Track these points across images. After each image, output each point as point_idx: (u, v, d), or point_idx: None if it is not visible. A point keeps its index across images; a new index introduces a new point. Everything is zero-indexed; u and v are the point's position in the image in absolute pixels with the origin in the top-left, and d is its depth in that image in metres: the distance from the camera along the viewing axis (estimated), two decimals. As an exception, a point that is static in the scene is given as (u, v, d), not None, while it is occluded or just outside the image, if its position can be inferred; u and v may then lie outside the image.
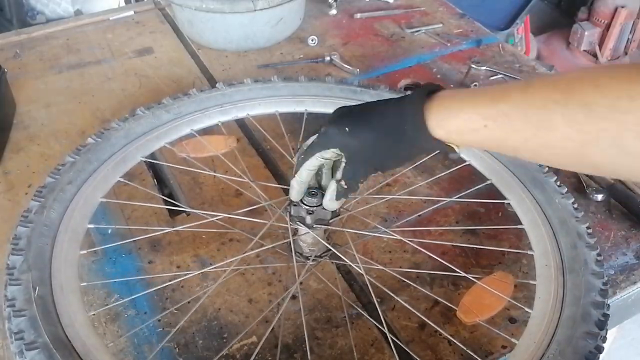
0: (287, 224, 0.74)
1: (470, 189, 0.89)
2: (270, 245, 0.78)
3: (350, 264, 0.76)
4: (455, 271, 0.73)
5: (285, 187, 0.90)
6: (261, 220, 0.79)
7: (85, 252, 0.73)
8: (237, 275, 0.79)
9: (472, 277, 0.72)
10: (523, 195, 0.79)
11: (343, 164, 0.64)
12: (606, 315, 0.63)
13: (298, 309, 0.75)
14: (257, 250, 0.79)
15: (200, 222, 0.78)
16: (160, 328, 0.72)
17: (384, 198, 0.89)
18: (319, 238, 0.75)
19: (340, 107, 0.65)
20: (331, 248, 0.76)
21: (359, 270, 0.74)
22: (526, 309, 0.67)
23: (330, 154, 0.64)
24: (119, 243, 0.80)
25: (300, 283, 0.76)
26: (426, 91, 0.58)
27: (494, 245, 0.82)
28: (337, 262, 0.79)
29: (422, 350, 0.70)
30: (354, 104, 0.65)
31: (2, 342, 0.71)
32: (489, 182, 0.83)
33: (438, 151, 0.61)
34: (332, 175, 0.68)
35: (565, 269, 0.68)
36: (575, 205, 0.76)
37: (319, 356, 0.70)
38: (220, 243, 0.83)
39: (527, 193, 0.79)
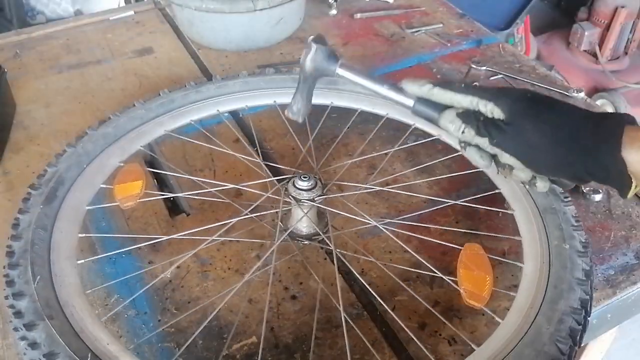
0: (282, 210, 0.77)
1: (469, 188, 0.90)
2: (256, 214, 0.80)
3: (331, 247, 0.76)
4: (433, 271, 0.73)
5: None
6: (258, 192, 0.81)
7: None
8: (237, 275, 0.79)
9: (449, 279, 0.71)
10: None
11: (500, 127, 0.61)
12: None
13: (298, 309, 0.75)
14: (241, 218, 0.80)
15: (198, 229, 0.78)
16: (160, 328, 0.72)
17: (381, 189, 0.89)
18: (303, 211, 0.76)
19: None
20: (318, 231, 0.78)
21: (342, 258, 0.76)
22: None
23: (490, 108, 0.61)
24: (121, 250, 0.81)
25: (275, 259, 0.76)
26: (625, 119, 0.58)
27: (494, 244, 0.82)
28: (324, 246, 0.81)
29: (422, 350, 0.69)
30: None
31: (2, 342, 0.71)
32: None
33: (604, 183, 0.60)
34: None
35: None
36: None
37: (319, 356, 0.70)
38: (220, 243, 0.83)
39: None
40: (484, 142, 0.63)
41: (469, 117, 0.64)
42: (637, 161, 0.55)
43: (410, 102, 0.66)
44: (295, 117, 0.72)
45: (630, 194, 0.58)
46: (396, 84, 0.67)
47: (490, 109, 0.62)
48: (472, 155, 0.66)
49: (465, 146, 0.66)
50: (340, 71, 0.66)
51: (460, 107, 0.65)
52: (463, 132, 0.64)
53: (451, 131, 0.65)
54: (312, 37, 0.66)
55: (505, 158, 0.63)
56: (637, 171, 0.56)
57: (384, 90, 0.66)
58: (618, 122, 0.57)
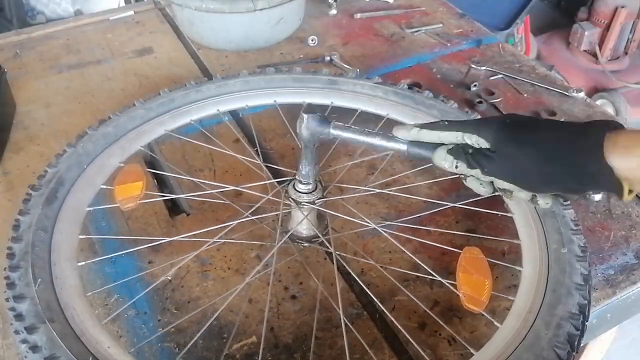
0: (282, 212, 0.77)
1: (469, 189, 0.90)
2: (256, 217, 0.81)
3: (331, 250, 0.76)
4: (432, 274, 0.73)
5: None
6: (259, 194, 0.82)
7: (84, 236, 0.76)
8: (237, 275, 0.79)
9: (448, 282, 0.71)
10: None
11: (488, 156, 0.63)
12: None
13: (298, 309, 0.75)
14: (241, 220, 0.80)
15: (197, 231, 0.78)
16: (160, 328, 0.72)
17: (381, 191, 0.89)
18: (304, 214, 0.77)
19: (510, 113, 0.66)
20: (318, 233, 0.78)
21: (341, 260, 0.77)
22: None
23: (475, 139, 0.64)
24: (121, 253, 0.80)
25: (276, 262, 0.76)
26: (609, 124, 0.58)
27: (494, 245, 0.82)
28: (324, 249, 0.81)
29: (422, 350, 0.70)
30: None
31: (2, 342, 0.71)
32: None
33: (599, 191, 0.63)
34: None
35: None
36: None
37: (319, 356, 0.70)
38: (221, 243, 0.83)
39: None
40: (477, 173, 0.65)
41: (459, 152, 0.66)
42: (622, 167, 0.56)
43: (403, 147, 0.70)
44: (306, 179, 0.76)
45: (627, 196, 0.58)
46: (387, 133, 0.71)
47: (476, 141, 0.64)
48: (472, 185, 0.68)
49: (465, 178, 0.68)
50: (334, 132, 0.71)
51: (449, 143, 0.67)
52: (456, 167, 0.66)
53: (446, 168, 0.67)
54: (302, 109, 0.72)
55: (500, 184, 0.65)
56: (624, 175, 0.56)
57: (377, 141, 0.71)
58: (599, 130, 0.58)
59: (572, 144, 0.59)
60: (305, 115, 0.70)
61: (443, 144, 0.67)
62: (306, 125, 0.70)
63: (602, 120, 0.60)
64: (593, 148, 0.57)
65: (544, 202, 0.66)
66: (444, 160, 0.66)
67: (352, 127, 0.72)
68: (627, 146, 0.56)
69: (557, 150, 0.60)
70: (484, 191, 0.67)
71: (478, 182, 0.67)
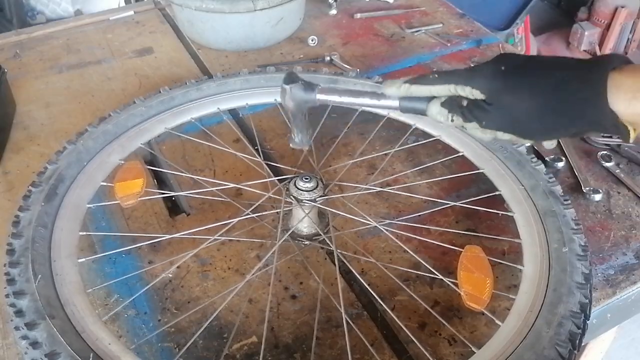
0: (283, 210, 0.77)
1: (469, 189, 0.90)
2: (257, 214, 0.80)
3: (332, 248, 0.76)
4: (433, 272, 0.73)
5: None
6: (259, 191, 0.82)
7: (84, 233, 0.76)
8: (237, 275, 0.79)
9: (449, 280, 0.71)
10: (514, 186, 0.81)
11: (484, 108, 0.59)
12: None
13: (298, 308, 0.75)
14: (242, 218, 0.80)
15: (197, 228, 0.78)
16: (160, 328, 0.72)
17: (382, 190, 0.89)
18: (305, 212, 0.77)
19: (503, 53, 0.62)
20: (319, 231, 0.78)
21: (342, 258, 0.76)
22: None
23: (468, 91, 0.60)
24: (121, 250, 0.81)
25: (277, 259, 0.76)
26: (612, 62, 0.54)
27: (494, 245, 0.82)
28: (325, 247, 0.81)
29: (422, 350, 0.69)
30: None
31: (2, 342, 0.71)
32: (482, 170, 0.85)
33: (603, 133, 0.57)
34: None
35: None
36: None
37: (319, 356, 0.70)
38: (220, 243, 0.83)
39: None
40: (474, 126, 0.62)
41: (453, 104, 0.63)
42: (628, 112, 0.53)
43: (395, 104, 0.66)
44: (300, 146, 0.74)
45: (632, 138, 0.55)
46: (376, 91, 0.67)
47: (470, 92, 0.61)
48: (474, 133, 0.64)
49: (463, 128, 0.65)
50: (320, 97, 0.67)
51: (443, 96, 0.64)
52: (452, 120, 0.63)
53: (442, 122, 0.64)
54: (283, 79, 0.67)
55: (500, 135, 0.62)
56: (630, 120, 0.53)
57: (367, 101, 0.68)
58: (601, 72, 0.54)
59: (573, 90, 0.55)
60: (287, 87, 0.65)
61: (436, 97, 0.64)
62: (291, 97, 0.66)
63: (604, 57, 0.56)
64: (595, 95, 0.53)
65: (549, 143, 0.64)
66: (438, 114, 0.63)
67: (339, 88, 0.68)
68: (632, 90, 0.52)
69: (557, 97, 0.56)
70: (486, 138, 0.64)
71: (478, 130, 0.63)
